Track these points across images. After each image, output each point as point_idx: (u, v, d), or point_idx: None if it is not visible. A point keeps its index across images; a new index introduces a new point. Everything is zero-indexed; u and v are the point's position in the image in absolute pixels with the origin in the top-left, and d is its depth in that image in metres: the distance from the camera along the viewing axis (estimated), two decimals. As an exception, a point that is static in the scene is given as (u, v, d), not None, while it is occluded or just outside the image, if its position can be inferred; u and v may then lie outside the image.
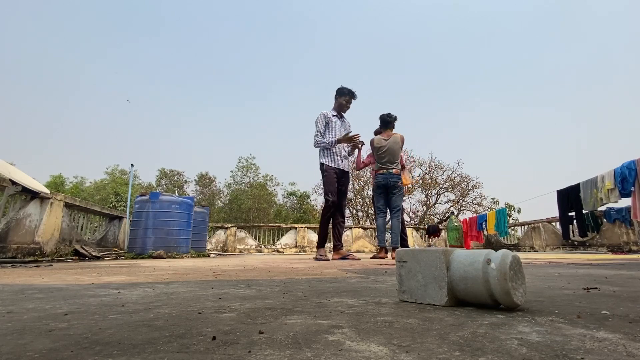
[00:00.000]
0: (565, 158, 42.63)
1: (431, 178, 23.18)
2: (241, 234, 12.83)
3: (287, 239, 13.07)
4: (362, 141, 4.81)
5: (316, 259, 4.39)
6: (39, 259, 5.00)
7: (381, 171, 4.85)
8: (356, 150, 5.06)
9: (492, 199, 22.35)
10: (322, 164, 4.66)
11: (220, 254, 9.59)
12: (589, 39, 44.39)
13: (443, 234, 13.08)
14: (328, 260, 4.37)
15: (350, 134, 4.62)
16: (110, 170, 28.54)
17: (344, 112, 4.92)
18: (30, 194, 5.50)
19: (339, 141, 4.59)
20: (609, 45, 41.71)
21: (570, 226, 8.25)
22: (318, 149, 4.77)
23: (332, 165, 4.62)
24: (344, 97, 4.82)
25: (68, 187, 26.95)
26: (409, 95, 47.95)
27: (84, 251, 5.94)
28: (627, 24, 40.00)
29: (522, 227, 11.96)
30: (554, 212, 8.33)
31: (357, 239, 13.21)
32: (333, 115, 4.77)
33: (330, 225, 4.75)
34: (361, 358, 0.51)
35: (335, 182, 4.59)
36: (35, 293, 1.31)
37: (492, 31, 48.32)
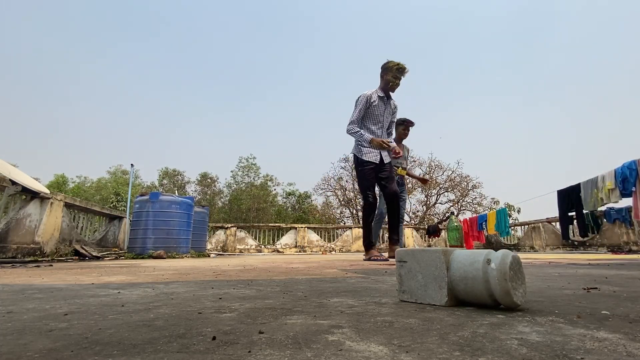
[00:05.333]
0: (566, 158, 42.66)
1: (431, 178, 23.18)
2: (241, 234, 12.83)
3: (287, 239, 13.07)
4: (396, 149, 4.04)
5: (370, 259, 3.84)
6: (39, 259, 5.00)
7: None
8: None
9: (492, 199, 22.38)
10: (355, 157, 4.03)
11: (220, 254, 9.59)
12: (590, 38, 44.40)
13: (443, 234, 13.08)
14: (387, 260, 3.79)
15: (386, 143, 3.95)
16: (112, 170, 28.59)
17: (393, 92, 4.12)
18: (30, 194, 5.51)
19: (372, 142, 3.91)
20: (610, 44, 41.72)
21: (570, 226, 8.26)
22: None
23: (366, 159, 3.93)
24: (392, 74, 4.00)
25: (70, 187, 26.97)
26: (408, 94, 47.94)
27: (84, 251, 5.94)
28: (630, 25, 39.99)
29: (522, 227, 11.96)
30: (554, 212, 8.33)
31: (357, 239, 13.21)
32: (379, 97, 4.02)
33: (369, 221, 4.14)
34: (361, 358, 0.51)
35: (372, 177, 3.96)
36: (35, 293, 1.31)
37: (492, 30, 48.30)
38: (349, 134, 4.04)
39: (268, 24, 52.19)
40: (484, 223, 10.40)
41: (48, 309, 0.95)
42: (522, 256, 5.67)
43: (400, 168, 4.95)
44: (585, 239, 8.88)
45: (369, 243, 4.09)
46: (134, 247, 6.57)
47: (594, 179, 6.43)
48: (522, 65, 44.93)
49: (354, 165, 4.10)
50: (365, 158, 3.93)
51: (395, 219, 4.06)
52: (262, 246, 12.80)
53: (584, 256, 5.84)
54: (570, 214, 7.49)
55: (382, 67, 4.11)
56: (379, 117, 4.02)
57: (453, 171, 23.12)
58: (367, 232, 4.09)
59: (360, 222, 22.23)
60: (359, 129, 3.95)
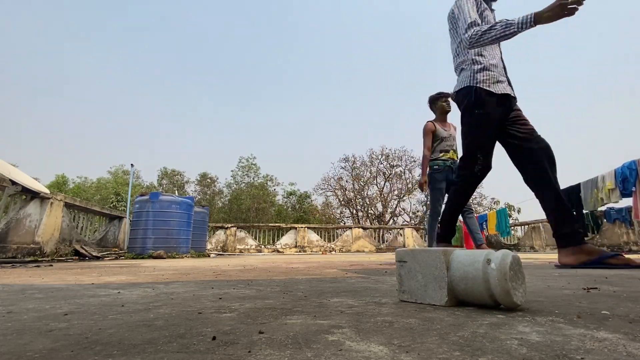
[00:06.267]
0: (566, 158, 42.69)
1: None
2: (241, 234, 12.84)
3: (287, 239, 13.07)
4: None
5: None
6: (39, 259, 5.00)
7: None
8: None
9: (492, 199, 22.40)
10: (472, 89, 2.24)
11: (220, 254, 9.59)
12: (593, 39, 44.44)
13: (443, 234, 13.07)
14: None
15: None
16: (113, 170, 28.58)
17: None
18: (30, 194, 5.51)
19: (537, 20, 1.99)
20: (612, 45, 41.76)
21: (571, 226, 8.24)
22: (460, 64, 2.43)
23: (494, 90, 2.21)
24: None
25: (71, 187, 26.97)
26: (406, 94, 48.01)
27: (84, 251, 5.94)
28: (632, 25, 40.04)
29: (522, 227, 11.96)
30: (554, 212, 8.31)
31: (357, 239, 13.22)
32: (482, 1, 2.47)
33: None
34: (361, 358, 0.51)
35: (498, 126, 2.29)
36: (35, 293, 1.31)
37: (492, 31, 48.23)
38: (477, 39, 2.18)
39: (270, 24, 52.24)
40: (484, 223, 10.41)
41: (48, 309, 0.95)
42: (522, 256, 5.68)
43: (452, 151, 3.92)
44: (585, 239, 8.88)
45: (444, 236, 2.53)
46: (134, 247, 6.57)
47: (594, 179, 6.43)
48: (523, 64, 44.98)
49: (464, 107, 2.32)
50: (491, 89, 2.17)
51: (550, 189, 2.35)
52: (262, 246, 12.80)
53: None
54: (570, 214, 7.49)
55: None
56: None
57: (453, 171, 23.10)
58: (451, 218, 2.50)
59: (359, 222, 22.16)
60: (486, 26, 2.17)
